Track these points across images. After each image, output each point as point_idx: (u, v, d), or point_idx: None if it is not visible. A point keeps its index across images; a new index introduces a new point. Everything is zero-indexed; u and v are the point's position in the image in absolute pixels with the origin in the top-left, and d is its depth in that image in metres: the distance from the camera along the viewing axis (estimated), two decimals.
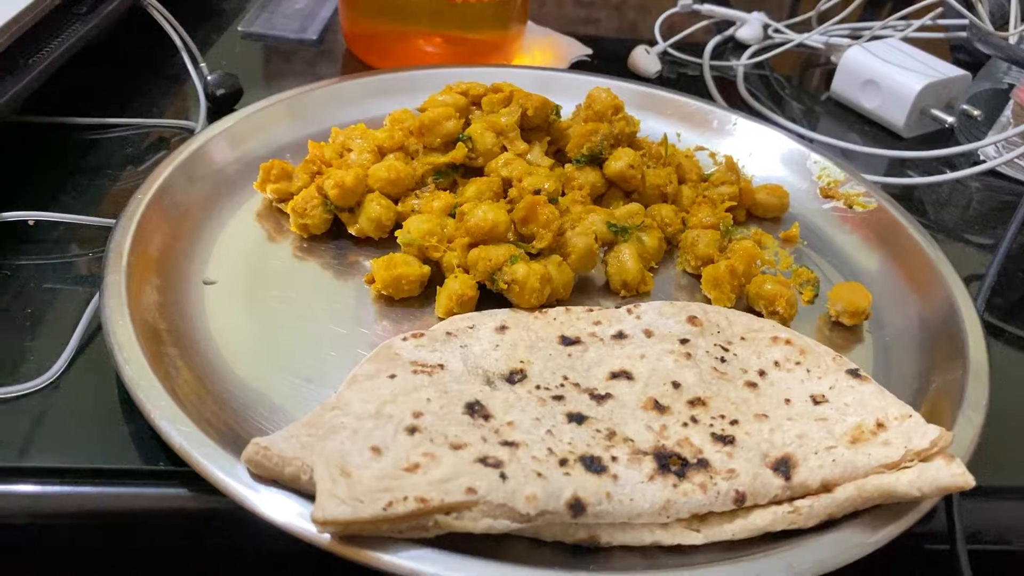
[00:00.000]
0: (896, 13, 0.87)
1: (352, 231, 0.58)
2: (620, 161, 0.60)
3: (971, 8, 0.79)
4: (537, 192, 0.56)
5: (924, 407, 0.48)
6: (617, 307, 0.53)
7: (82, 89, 0.71)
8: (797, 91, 0.89)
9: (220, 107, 0.71)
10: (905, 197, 0.73)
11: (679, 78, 0.88)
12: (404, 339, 0.47)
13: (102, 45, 0.69)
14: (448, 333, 0.48)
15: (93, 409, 0.46)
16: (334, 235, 0.59)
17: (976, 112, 0.78)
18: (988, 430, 0.47)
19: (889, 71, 0.80)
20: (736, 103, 0.83)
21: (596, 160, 0.61)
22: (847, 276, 0.60)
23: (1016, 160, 0.73)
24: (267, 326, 0.51)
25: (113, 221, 0.54)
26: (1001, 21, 0.84)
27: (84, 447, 0.44)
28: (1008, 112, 0.76)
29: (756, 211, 0.65)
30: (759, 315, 0.55)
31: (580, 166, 0.61)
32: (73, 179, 0.62)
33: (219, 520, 0.42)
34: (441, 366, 0.45)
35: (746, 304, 0.57)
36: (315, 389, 0.47)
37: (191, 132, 0.68)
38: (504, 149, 0.60)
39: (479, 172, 0.60)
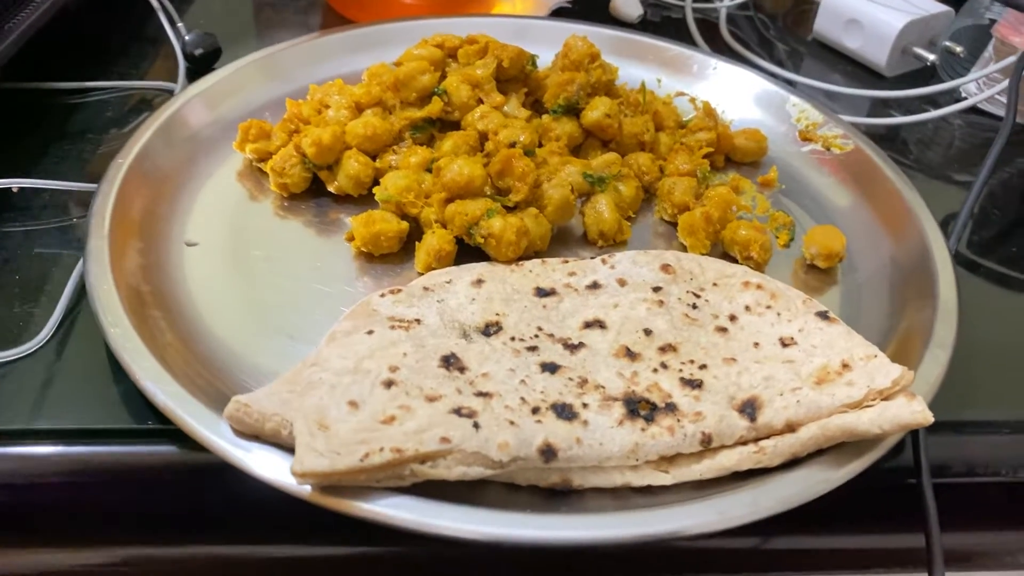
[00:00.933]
0: None
1: (331, 189, 0.59)
2: (596, 111, 0.61)
3: None
4: (512, 145, 0.56)
5: (893, 346, 0.49)
6: (594, 257, 0.54)
7: (60, 53, 0.71)
8: (781, 32, 0.88)
9: (199, 67, 0.71)
10: (889, 137, 0.74)
11: (662, 22, 0.87)
12: (382, 295, 0.48)
13: (78, 8, 0.69)
14: (425, 288, 0.49)
15: (83, 371, 0.47)
16: (314, 193, 0.59)
17: (958, 49, 0.78)
18: (957, 366, 0.48)
19: (871, 9, 0.79)
20: (719, 47, 0.83)
21: (573, 110, 0.62)
22: (823, 219, 0.61)
23: (997, 96, 0.73)
24: (249, 285, 0.52)
25: (95, 186, 0.55)
26: None
27: (76, 408, 0.45)
28: (990, 48, 0.75)
29: (734, 156, 0.66)
30: (735, 261, 0.56)
31: (557, 117, 0.61)
32: (55, 144, 0.63)
33: (207, 475, 0.44)
34: (418, 320, 0.46)
35: (722, 250, 0.57)
36: (297, 346, 0.49)
37: (171, 93, 0.69)
38: (480, 102, 0.61)
39: (456, 126, 0.61)
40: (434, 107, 0.59)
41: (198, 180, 0.59)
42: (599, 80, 0.63)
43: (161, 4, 0.71)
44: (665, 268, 0.51)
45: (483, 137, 0.59)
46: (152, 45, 0.75)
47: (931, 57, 0.78)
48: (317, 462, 0.37)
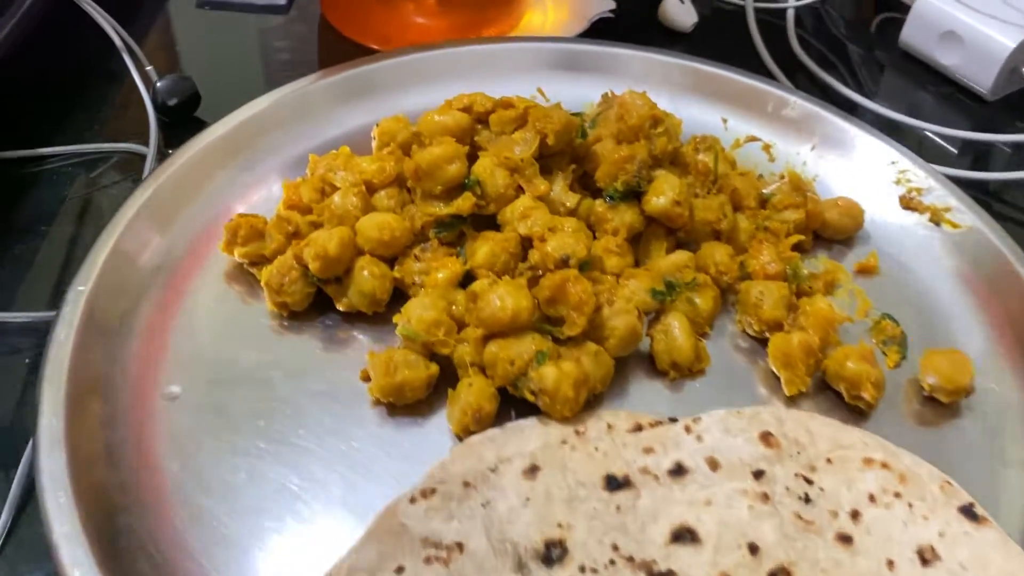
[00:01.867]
0: None
1: (340, 307, 0.48)
2: (663, 197, 0.49)
3: None
4: (565, 261, 0.45)
5: None
6: (673, 420, 0.43)
7: (8, 115, 0.58)
8: (859, 39, 0.75)
9: (176, 119, 0.59)
10: (992, 191, 0.62)
11: (719, 29, 0.74)
12: (412, 500, 0.38)
13: (22, 52, 0.57)
14: (465, 484, 0.38)
15: None
16: (320, 308, 0.48)
17: None
18: None
19: (975, 21, 0.66)
20: (785, 58, 0.70)
21: (633, 193, 0.50)
22: (938, 326, 0.50)
23: None
24: (248, 456, 0.42)
25: (49, 315, 0.44)
26: None
27: None
28: None
29: (824, 232, 0.54)
30: (838, 395, 0.46)
31: (613, 204, 0.50)
32: (2, 244, 0.52)
33: None
34: (460, 545, 0.36)
35: (820, 378, 0.47)
36: (309, 532, 0.39)
37: (142, 158, 0.57)
38: (520, 189, 0.49)
39: (491, 219, 0.49)
40: (465, 204, 0.48)
41: (175, 300, 0.48)
42: (663, 150, 0.51)
43: (124, 43, 0.58)
44: (766, 439, 0.41)
45: (526, 241, 0.48)
46: (114, 93, 0.62)
47: None
48: None
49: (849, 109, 0.64)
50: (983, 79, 0.67)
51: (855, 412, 0.46)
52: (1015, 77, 0.67)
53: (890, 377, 0.47)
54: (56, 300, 0.44)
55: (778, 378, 0.46)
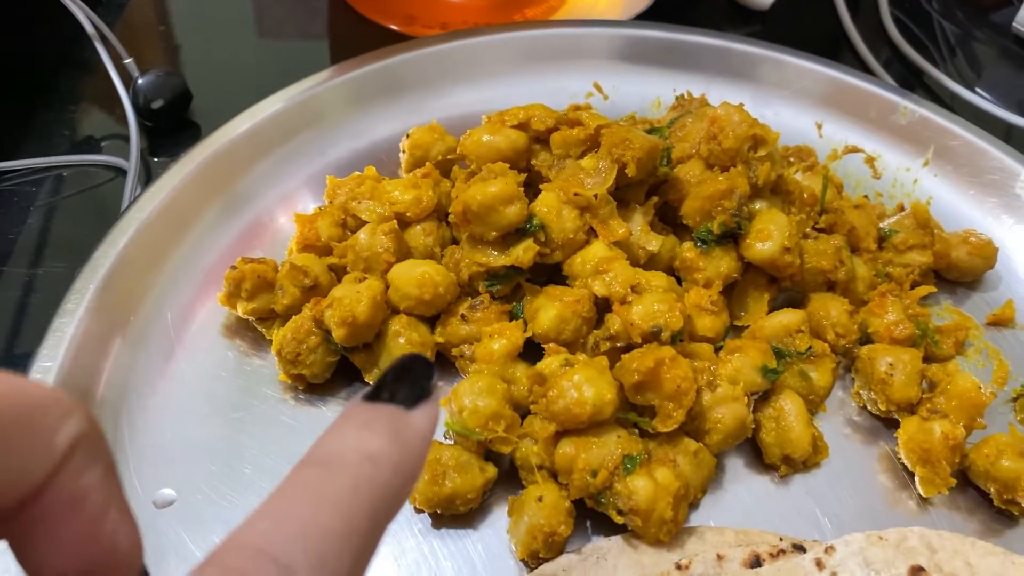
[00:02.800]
0: None
1: (370, 379, 0.38)
2: (769, 242, 0.40)
3: None
4: (656, 334, 0.36)
5: None
6: (800, 548, 0.34)
7: None
8: (964, 20, 0.64)
9: (162, 124, 0.49)
10: None
11: (800, 5, 0.63)
12: None
13: None
14: None
15: None
16: (345, 376, 0.39)
17: None
18: None
19: None
20: (878, 38, 0.60)
21: (730, 235, 0.40)
22: None
23: None
24: None
25: None
26: None
27: None
28: None
29: (948, 274, 0.45)
30: (981, 493, 0.37)
31: (707, 250, 0.40)
32: None
33: None
34: None
35: (961, 469, 0.38)
36: None
37: (122, 173, 0.47)
38: (591, 231, 0.39)
39: (554, 267, 0.40)
40: (526, 255, 0.38)
41: (165, 366, 0.38)
42: (767, 179, 0.41)
43: (97, 30, 0.48)
44: (916, 574, 0.32)
45: (600, 301, 0.38)
46: (90, 86, 0.52)
47: None
48: None
49: (960, 108, 0.54)
50: None
51: (1002, 515, 0.37)
52: None
53: None
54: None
55: (909, 471, 0.38)
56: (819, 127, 0.51)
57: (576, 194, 0.39)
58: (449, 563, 0.34)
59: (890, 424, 0.39)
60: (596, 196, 0.39)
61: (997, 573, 0.33)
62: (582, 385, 0.34)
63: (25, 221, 0.44)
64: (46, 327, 0.36)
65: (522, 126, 0.41)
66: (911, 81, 0.58)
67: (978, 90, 0.57)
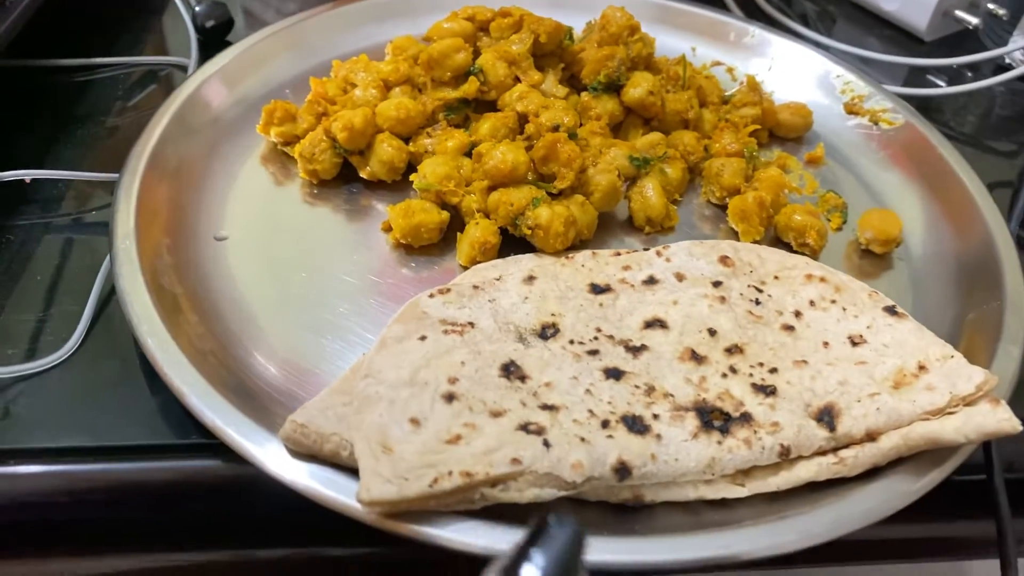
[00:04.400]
0: None
1: (363, 175, 0.56)
2: (639, 88, 0.58)
3: None
4: (556, 128, 0.53)
5: (962, 341, 0.47)
6: (645, 246, 0.51)
7: (63, 29, 0.67)
8: None
9: (211, 39, 0.67)
10: (924, 107, 0.71)
11: None
12: (431, 296, 0.45)
13: None
14: (475, 286, 0.46)
15: (116, 382, 0.45)
16: (345, 178, 0.56)
17: (1002, 12, 0.74)
18: None
19: None
20: (750, 10, 0.79)
21: (613, 87, 0.58)
22: (874, 199, 0.58)
23: None
24: (286, 282, 0.50)
25: (114, 175, 0.51)
26: None
27: (112, 423, 0.43)
28: None
29: (779, 131, 0.63)
30: (788, 247, 0.54)
31: (597, 95, 0.58)
32: (66, 129, 0.59)
33: (255, 490, 0.42)
34: (471, 324, 0.44)
35: (774, 235, 0.55)
36: (338, 345, 0.46)
37: (183, 69, 0.65)
38: (517, 80, 0.58)
39: (492, 105, 0.58)
40: (470, 87, 0.56)
41: (222, 167, 0.56)
42: (639, 54, 0.60)
43: None
44: (723, 260, 0.49)
45: (522, 119, 0.56)
46: (158, 17, 0.71)
47: (973, 20, 0.75)
48: (384, 489, 0.35)
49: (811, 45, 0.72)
50: (919, 21, 0.76)
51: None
52: (947, 20, 0.76)
53: (834, 240, 0.56)
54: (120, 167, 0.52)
55: (737, 234, 0.55)
56: (693, 50, 0.69)
57: (506, 51, 0.57)
58: (418, 278, 0.51)
59: (726, 211, 0.56)
60: (519, 53, 0.57)
61: (779, 260, 0.50)
62: (505, 152, 0.51)
63: (117, 93, 0.62)
64: None
65: (470, 18, 0.60)
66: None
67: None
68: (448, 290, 0.46)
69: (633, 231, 0.55)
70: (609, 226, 0.55)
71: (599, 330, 0.44)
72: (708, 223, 0.57)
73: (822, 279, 0.48)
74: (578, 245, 0.52)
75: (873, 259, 0.55)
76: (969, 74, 0.74)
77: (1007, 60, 0.73)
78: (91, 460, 0.42)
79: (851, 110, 0.64)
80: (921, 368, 0.42)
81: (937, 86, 0.73)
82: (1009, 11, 0.75)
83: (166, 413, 0.43)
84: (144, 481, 0.42)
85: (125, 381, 0.45)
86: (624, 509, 0.39)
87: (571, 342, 0.44)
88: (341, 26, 0.66)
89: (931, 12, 0.75)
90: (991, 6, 0.75)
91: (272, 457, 0.39)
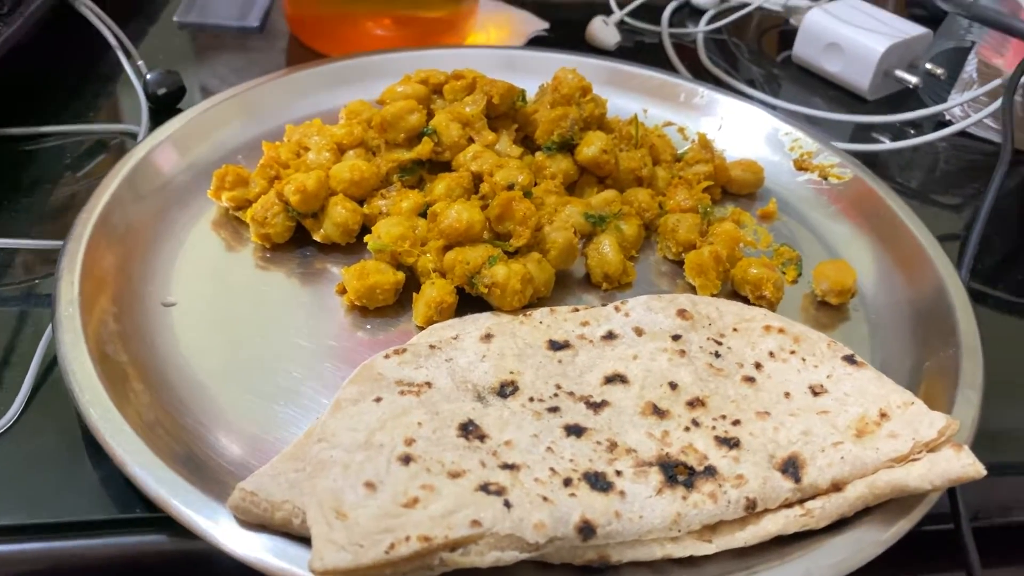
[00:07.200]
0: None
1: (317, 238, 0.55)
2: (592, 147, 0.58)
3: None
4: (511, 187, 0.53)
5: (921, 388, 0.47)
6: (603, 303, 0.51)
7: (11, 97, 0.66)
8: (758, 56, 0.87)
9: (162, 107, 0.66)
10: (871, 163, 0.73)
11: (638, 48, 0.85)
12: (386, 356, 0.44)
13: (29, 48, 0.65)
14: (431, 346, 0.45)
15: (57, 455, 0.43)
16: (298, 242, 0.56)
17: (939, 71, 0.77)
18: (984, 405, 0.46)
19: (851, 33, 0.78)
20: (699, 72, 0.81)
21: (567, 146, 0.59)
22: (828, 251, 0.59)
23: (984, 120, 0.72)
24: (236, 348, 0.48)
25: (59, 243, 0.50)
26: None
27: (52, 497, 0.41)
28: (971, 70, 0.75)
29: (731, 188, 0.64)
30: (745, 300, 0.54)
31: (551, 154, 0.59)
32: (10, 197, 0.58)
33: (204, 566, 0.40)
34: (428, 384, 0.43)
35: (731, 289, 0.55)
36: (293, 412, 0.45)
37: (134, 137, 0.64)
38: (471, 140, 0.58)
39: (446, 166, 0.58)
40: (424, 148, 0.56)
41: (171, 233, 0.54)
42: (591, 114, 0.60)
43: (119, 40, 0.67)
44: (682, 314, 0.48)
45: (477, 179, 0.56)
46: (109, 84, 0.70)
47: (913, 80, 0.77)
48: (339, 557, 0.33)
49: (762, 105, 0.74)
50: (861, 81, 0.78)
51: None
52: (888, 80, 0.79)
53: (790, 292, 0.56)
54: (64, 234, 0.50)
55: (695, 288, 0.55)
56: (644, 112, 0.71)
57: (459, 113, 0.57)
58: (373, 341, 0.50)
59: (683, 266, 0.56)
60: (472, 115, 0.57)
61: (737, 313, 0.49)
62: (460, 211, 0.51)
63: (65, 160, 0.61)
64: None
65: (423, 81, 0.60)
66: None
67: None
68: (404, 351, 0.45)
69: (591, 288, 0.55)
70: (567, 283, 0.55)
71: (559, 387, 0.44)
72: (665, 279, 0.57)
73: (780, 330, 0.48)
74: (535, 303, 0.52)
75: (829, 310, 0.55)
76: (912, 131, 0.76)
77: (947, 116, 0.76)
78: (29, 538, 0.39)
79: (801, 166, 0.65)
80: (883, 415, 0.42)
81: (882, 143, 0.75)
82: (946, 70, 0.77)
83: (109, 486, 0.41)
84: (86, 559, 0.40)
85: (67, 454, 0.43)
86: (590, 571, 0.38)
87: (531, 399, 0.43)
88: (294, 92, 0.66)
89: (872, 72, 0.77)
90: (929, 66, 0.78)
91: (220, 529, 0.37)
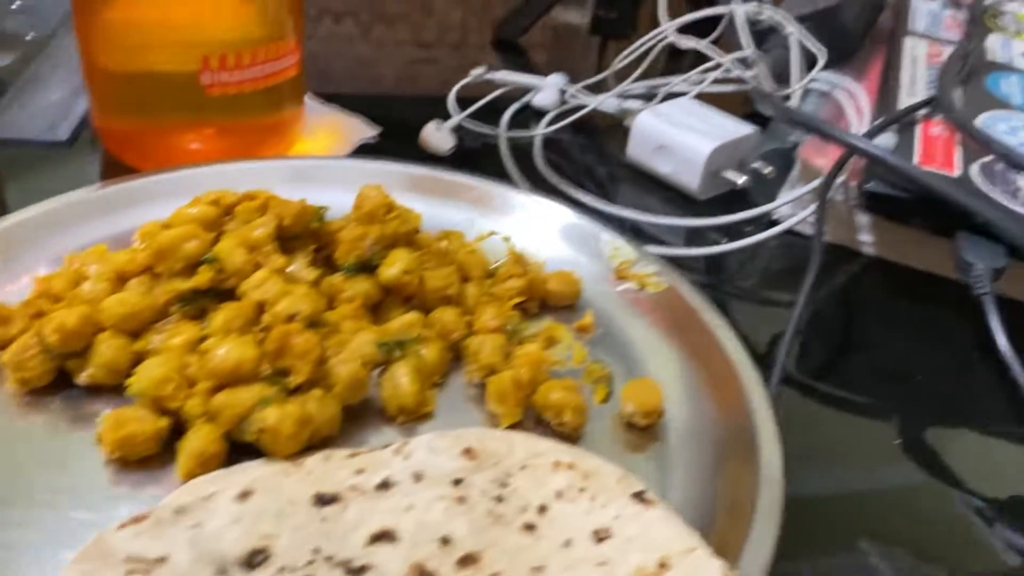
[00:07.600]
0: (694, 69, 0.87)
1: (81, 380, 0.50)
2: (394, 267, 0.55)
3: (750, 67, 0.79)
4: (291, 318, 0.50)
5: (717, 522, 0.45)
6: (403, 436, 0.47)
7: None
8: (597, 158, 0.87)
9: None
10: (709, 265, 0.72)
11: (475, 152, 0.84)
12: (121, 526, 0.39)
13: None
14: (178, 510, 0.41)
15: None
16: (65, 382, 0.51)
17: (767, 170, 0.78)
18: (786, 525, 0.44)
19: (679, 134, 0.79)
20: (533, 177, 0.80)
21: (368, 267, 0.56)
22: (641, 368, 0.57)
23: (809, 219, 0.72)
24: None
25: None
26: (784, 78, 0.85)
27: None
28: (796, 170, 0.76)
29: (550, 300, 0.62)
30: (548, 426, 0.51)
31: (350, 275, 0.56)
32: None
33: None
34: (163, 558, 0.38)
35: (536, 416, 0.52)
36: None
37: None
38: (259, 266, 0.54)
39: (232, 294, 0.54)
40: (202, 278, 0.52)
41: None
42: (397, 232, 0.58)
43: None
44: (468, 453, 0.45)
45: (261, 308, 0.52)
46: None
47: (740, 180, 0.78)
48: None
49: (588, 212, 0.73)
50: (692, 182, 0.78)
51: (566, 441, 0.51)
52: (718, 180, 0.79)
53: (599, 413, 0.53)
54: None
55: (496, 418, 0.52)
56: (471, 223, 0.68)
57: (246, 237, 0.54)
58: (134, 501, 0.45)
59: None
60: (260, 239, 0.54)
61: (529, 447, 0.46)
62: (229, 349, 0.47)
63: None
64: None
65: (215, 203, 0.57)
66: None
67: (613, 204, 0.77)
68: (144, 517, 0.40)
69: (388, 421, 0.51)
70: (364, 417, 0.51)
71: (317, 551, 0.40)
72: (474, 404, 0.53)
73: (570, 465, 0.45)
74: (320, 444, 0.48)
75: (640, 432, 0.53)
76: (748, 230, 0.76)
77: (776, 216, 0.76)
78: None
79: (621, 275, 0.64)
80: (662, 566, 0.39)
81: (717, 244, 0.74)
82: (775, 168, 0.78)
83: None
84: None
85: None
86: None
87: (281, 570, 0.38)
88: (88, 215, 0.62)
89: (701, 173, 0.77)
90: (756, 165, 0.78)
91: None
